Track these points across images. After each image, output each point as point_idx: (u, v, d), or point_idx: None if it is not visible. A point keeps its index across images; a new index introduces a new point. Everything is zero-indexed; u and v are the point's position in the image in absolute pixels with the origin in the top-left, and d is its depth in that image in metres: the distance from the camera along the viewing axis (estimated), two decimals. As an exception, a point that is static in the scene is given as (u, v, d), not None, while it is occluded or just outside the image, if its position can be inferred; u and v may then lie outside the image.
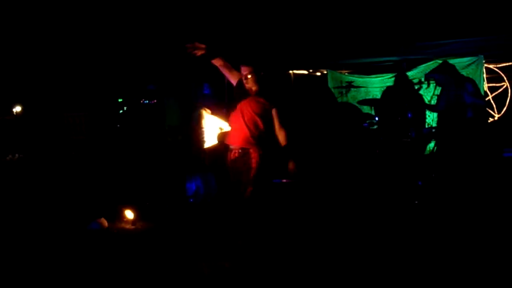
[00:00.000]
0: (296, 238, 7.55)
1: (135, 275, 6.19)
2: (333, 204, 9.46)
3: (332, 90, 12.53)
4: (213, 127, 10.42)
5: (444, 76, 10.45)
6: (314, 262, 6.42)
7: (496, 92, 12.29)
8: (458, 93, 9.75)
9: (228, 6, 13.16)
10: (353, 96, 12.38)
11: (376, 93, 12.27)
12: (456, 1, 12.06)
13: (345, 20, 12.57)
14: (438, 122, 11.20)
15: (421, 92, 11.77)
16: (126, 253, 7.13)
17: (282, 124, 6.89)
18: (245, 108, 6.79)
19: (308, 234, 7.75)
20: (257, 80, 6.83)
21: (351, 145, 11.38)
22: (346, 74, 12.70)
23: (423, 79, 11.71)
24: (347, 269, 6.12)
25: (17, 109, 17.78)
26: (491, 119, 12.03)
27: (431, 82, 11.54)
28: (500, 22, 11.36)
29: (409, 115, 10.39)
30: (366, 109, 11.77)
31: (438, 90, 11.03)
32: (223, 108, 10.67)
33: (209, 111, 10.25)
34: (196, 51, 6.86)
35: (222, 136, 9.05)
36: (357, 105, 11.90)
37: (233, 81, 7.08)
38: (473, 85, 10.26)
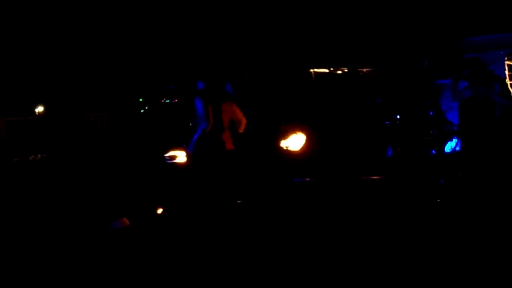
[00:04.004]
0: (313, 237, 7.54)
1: (149, 272, 6.21)
2: (354, 201, 9.44)
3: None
4: None
5: (473, 71, 10.33)
6: (331, 261, 6.41)
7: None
8: (486, 90, 9.66)
9: (248, 5, 13.19)
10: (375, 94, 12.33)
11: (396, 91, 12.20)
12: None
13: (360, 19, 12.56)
14: (461, 120, 11.11)
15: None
16: (145, 251, 7.16)
17: None
18: None
19: (326, 232, 7.73)
20: None
21: (373, 142, 11.34)
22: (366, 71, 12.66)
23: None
24: (367, 267, 6.10)
25: (39, 109, 17.95)
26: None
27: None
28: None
29: (431, 113, 10.34)
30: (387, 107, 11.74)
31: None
32: (245, 107, 10.67)
33: None
34: None
35: None
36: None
37: None
38: (498, 83, 10.16)
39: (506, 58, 11.32)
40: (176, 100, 11.74)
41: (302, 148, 9.72)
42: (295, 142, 9.67)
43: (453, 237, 7.16)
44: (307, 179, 10.50)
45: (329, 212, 8.97)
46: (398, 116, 10.99)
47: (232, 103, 8.45)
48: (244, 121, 8.42)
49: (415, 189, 9.73)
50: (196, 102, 8.36)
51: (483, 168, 9.19)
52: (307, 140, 9.77)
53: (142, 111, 12.73)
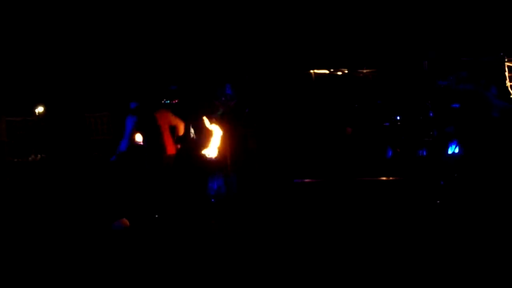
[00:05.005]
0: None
1: (145, 271, 6.23)
2: (354, 202, 9.45)
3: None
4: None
5: (469, 74, 10.34)
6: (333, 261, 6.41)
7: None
8: (485, 91, 9.66)
9: (248, 4, 13.20)
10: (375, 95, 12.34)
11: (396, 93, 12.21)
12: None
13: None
14: (460, 121, 11.10)
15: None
16: (144, 252, 7.18)
17: None
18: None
19: (326, 233, 7.74)
20: None
21: (373, 143, 11.35)
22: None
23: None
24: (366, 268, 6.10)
25: (39, 109, 17.93)
26: None
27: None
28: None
29: (431, 114, 10.35)
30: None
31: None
32: (245, 108, 10.69)
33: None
34: None
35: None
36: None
37: None
38: (497, 85, 10.16)
39: (506, 60, 11.32)
40: (177, 101, 11.75)
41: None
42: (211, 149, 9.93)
43: (453, 239, 7.16)
44: (307, 180, 10.51)
45: (329, 213, 8.98)
46: (398, 117, 11.00)
47: (167, 111, 9.23)
48: (181, 125, 9.21)
49: (415, 190, 9.73)
50: (127, 121, 8.68)
51: (482, 169, 9.19)
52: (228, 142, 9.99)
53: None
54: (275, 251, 6.87)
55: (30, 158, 16.64)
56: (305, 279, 5.81)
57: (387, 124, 11.15)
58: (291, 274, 5.99)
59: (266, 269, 6.22)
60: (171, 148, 9.10)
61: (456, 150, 10.50)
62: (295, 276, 5.92)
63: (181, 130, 9.27)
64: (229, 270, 6.25)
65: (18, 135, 17.31)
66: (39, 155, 16.54)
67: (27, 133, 17.34)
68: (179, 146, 9.44)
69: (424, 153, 10.80)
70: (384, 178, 10.47)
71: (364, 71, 12.74)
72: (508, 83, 11.52)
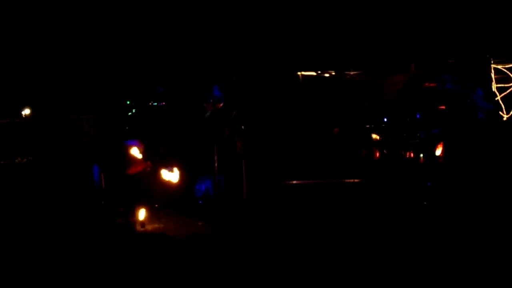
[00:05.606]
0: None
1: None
2: (342, 204, 9.47)
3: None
4: None
5: (455, 76, 10.41)
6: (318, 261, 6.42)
7: (505, 93, 12.19)
8: (470, 93, 9.73)
9: (235, 6, 13.21)
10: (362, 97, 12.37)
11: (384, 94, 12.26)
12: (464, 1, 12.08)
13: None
14: (446, 123, 11.16)
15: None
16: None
17: None
18: None
19: (314, 234, 7.75)
20: None
21: (360, 145, 11.38)
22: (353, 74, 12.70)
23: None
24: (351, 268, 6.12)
25: (26, 111, 17.84)
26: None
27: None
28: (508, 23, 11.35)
29: (418, 116, 10.39)
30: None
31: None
32: (232, 110, 10.68)
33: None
34: None
35: None
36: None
37: None
38: (483, 87, 10.22)
39: (492, 62, 11.38)
40: (164, 103, 11.74)
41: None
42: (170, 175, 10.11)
43: (439, 239, 7.20)
44: (295, 181, 10.53)
45: (318, 214, 9.00)
46: (385, 119, 11.03)
47: (123, 148, 9.74)
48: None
49: (402, 192, 9.77)
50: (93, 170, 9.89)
51: (468, 170, 9.25)
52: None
53: (129, 113, 12.69)
54: (263, 250, 6.89)
55: (16, 160, 16.53)
56: (294, 276, 5.83)
57: (374, 126, 11.19)
58: (280, 271, 6.01)
59: (257, 267, 6.23)
60: (135, 168, 9.66)
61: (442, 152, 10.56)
62: (285, 273, 5.94)
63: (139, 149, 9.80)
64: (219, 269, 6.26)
65: (5, 137, 17.21)
66: (25, 158, 16.44)
67: (13, 135, 17.23)
68: (149, 163, 9.94)
69: (411, 155, 10.84)
70: (372, 180, 10.50)
71: (351, 73, 12.77)
72: (493, 85, 11.59)
